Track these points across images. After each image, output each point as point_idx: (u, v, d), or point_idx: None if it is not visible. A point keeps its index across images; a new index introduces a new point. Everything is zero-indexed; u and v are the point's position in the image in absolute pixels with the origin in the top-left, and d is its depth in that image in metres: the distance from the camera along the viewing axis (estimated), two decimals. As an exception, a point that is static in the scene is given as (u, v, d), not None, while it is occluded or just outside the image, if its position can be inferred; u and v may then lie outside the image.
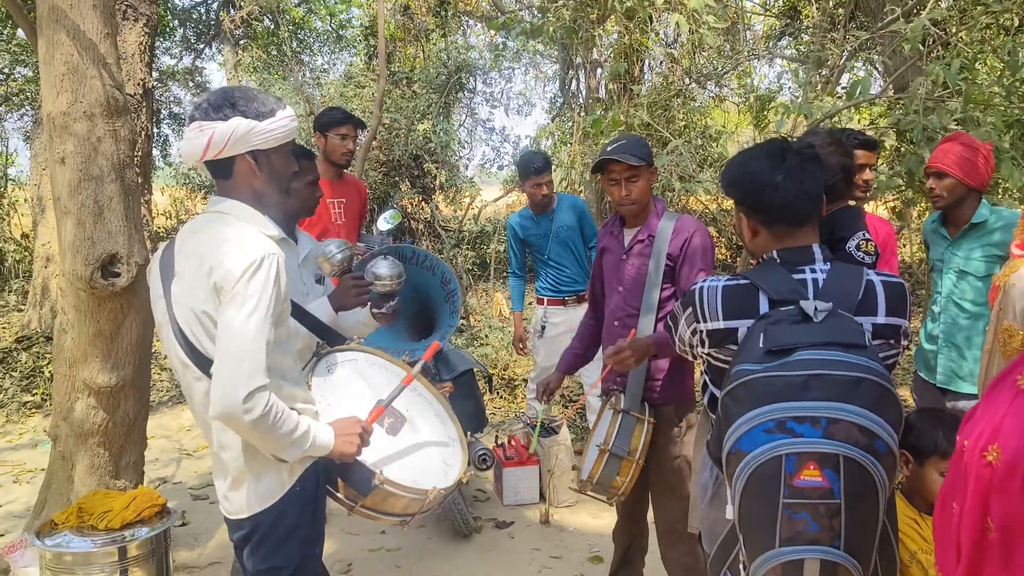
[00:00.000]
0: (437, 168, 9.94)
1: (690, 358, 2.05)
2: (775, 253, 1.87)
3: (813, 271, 1.81)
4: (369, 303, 2.60)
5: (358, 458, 2.08)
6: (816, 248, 1.86)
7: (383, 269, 2.56)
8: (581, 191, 11.07)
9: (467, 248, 10.11)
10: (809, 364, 1.57)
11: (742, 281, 1.84)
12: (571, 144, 9.36)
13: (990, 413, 1.33)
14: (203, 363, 1.94)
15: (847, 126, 4.39)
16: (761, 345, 1.64)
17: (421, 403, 2.47)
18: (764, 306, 1.77)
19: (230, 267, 1.83)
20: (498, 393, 6.27)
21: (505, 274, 10.44)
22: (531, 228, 4.77)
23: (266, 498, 2.01)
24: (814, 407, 1.53)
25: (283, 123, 1.96)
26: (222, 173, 1.98)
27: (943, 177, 3.10)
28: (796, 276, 1.80)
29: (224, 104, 1.91)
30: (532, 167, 4.57)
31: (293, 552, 2.06)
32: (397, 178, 9.90)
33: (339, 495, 2.16)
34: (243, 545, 2.09)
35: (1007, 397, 1.32)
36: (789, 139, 2.06)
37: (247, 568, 2.11)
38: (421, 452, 2.31)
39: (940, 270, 3.25)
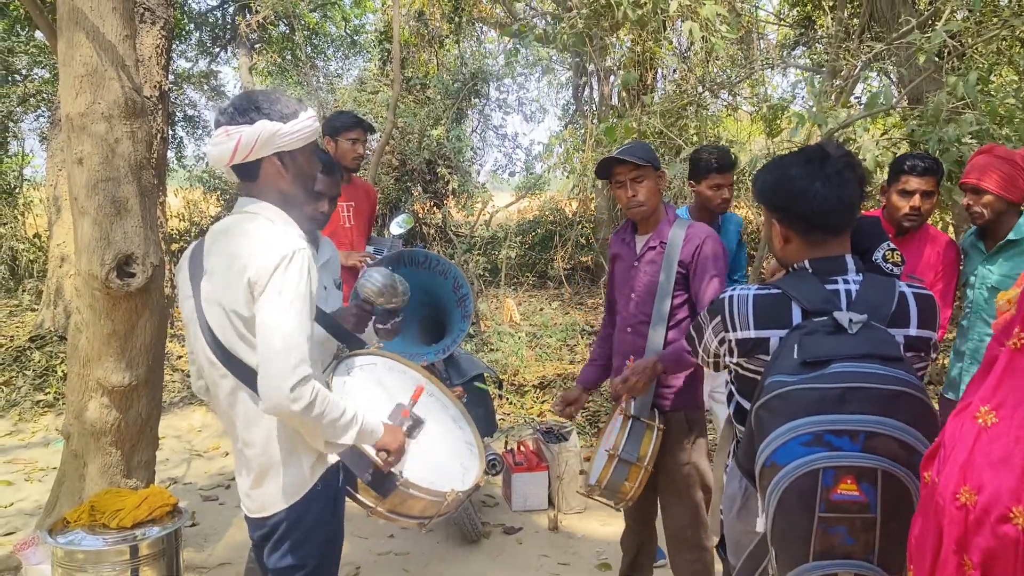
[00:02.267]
0: (450, 173, 9.98)
1: (712, 369, 2.01)
2: (807, 263, 1.83)
3: (846, 282, 1.78)
4: (373, 317, 2.63)
5: (376, 459, 2.09)
6: (849, 258, 1.82)
7: (396, 285, 2.59)
8: (593, 198, 11.10)
9: (478, 253, 10.12)
10: (846, 376, 1.54)
11: (773, 291, 1.80)
12: (584, 151, 9.37)
13: (957, 450, 1.27)
14: (230, 361, 1.96)
15: (861, 137, 4.35)
16: (796, 356, 1.61)
17: (438, 407, 2.48)
18: (797, 316, 1.74)
19: (264, 262, 1.85)
20: (507, 399, 6.27)
21: (516, 280, 10.48)
22: None
23: (288, 496, 2.03)
24: (853, 420, 1.51)
25: (306, 124, 1.99)
26: (249, 176, 2.01)
27: (981, 194, 2.99)
28: (829, 286, 1.76)
29: (249, 108, 1.94)
30: (713, 163, 3.58)
31: (313, 551, 2.08)
32: (410, 183, 9.95)
33: (359, 496, 2.17)
34: (263, 543, 2.10)
35: (970, 432, 1.26)
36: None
37: (267, 566, 2.12)
38: (439, 455, 2.31)
39: (973, 285, 3.15)
